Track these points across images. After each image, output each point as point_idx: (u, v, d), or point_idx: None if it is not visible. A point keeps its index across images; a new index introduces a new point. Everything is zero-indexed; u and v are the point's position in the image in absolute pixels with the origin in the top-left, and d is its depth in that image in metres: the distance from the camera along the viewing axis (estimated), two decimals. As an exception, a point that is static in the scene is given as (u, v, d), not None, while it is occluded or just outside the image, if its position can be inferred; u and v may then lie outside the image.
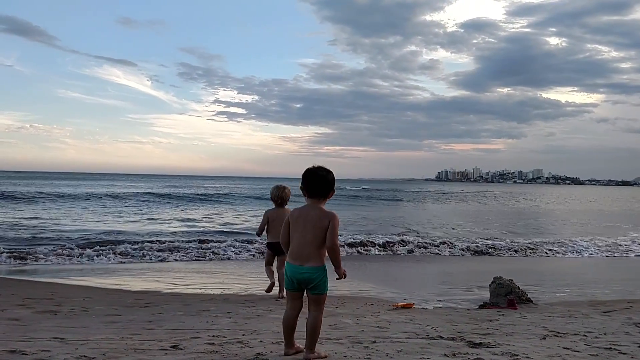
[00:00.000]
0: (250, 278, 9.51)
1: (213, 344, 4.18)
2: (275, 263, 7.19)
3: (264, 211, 7.32)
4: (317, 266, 3.72)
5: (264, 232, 7.26)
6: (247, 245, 13.39)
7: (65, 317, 5.54)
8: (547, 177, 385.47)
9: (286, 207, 7.14)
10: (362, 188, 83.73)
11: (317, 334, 3.80)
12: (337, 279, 3.82)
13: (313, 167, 3.91)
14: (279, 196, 7.13)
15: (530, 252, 14.54)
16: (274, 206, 7.22)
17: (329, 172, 3.89)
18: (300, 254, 3.75)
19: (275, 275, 7.12)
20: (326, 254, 3.76)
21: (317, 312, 3.80)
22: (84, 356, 3.58)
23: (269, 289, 7.25)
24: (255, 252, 12.64)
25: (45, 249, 11.85)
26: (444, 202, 48.07)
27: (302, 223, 3.79)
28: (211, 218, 22.60)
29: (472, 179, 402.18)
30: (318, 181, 3.83)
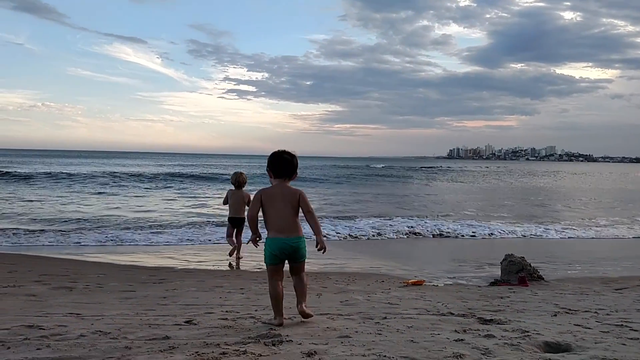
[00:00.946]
0: (262, 255, 9.58)
1: (226, 319, 4.23)
2: (234, 233, 8.87)
3: (227, 190, 9.02)
4: (301, 236, 4.19)
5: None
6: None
7: (80, 293, 5.62)
8: (560, 154, 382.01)
9: (243, 189, 8.87)
10: (383, 166, 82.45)
11: (306, 290, 4.37)
12: (317, 247, 4.17)
13: (278, 151, 4.29)
14: (237, 180, 8.81)
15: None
16: (234, 188, 8.86)
17: (293, 156, 4.29)
18: (285, 227, 4.15)
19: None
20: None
21: (302, 272, 4.34)
22: (100, 331, 3.64)
23: (231, 253, 8.87)
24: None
25: (51, 228, 11.97)
26: (479, 180, 47.35)
27: (278, 201, 4.19)
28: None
29: (484, 157, 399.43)
30: (284, 164, 4.23)
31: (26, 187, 23.95)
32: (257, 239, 4.30)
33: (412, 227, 13.51)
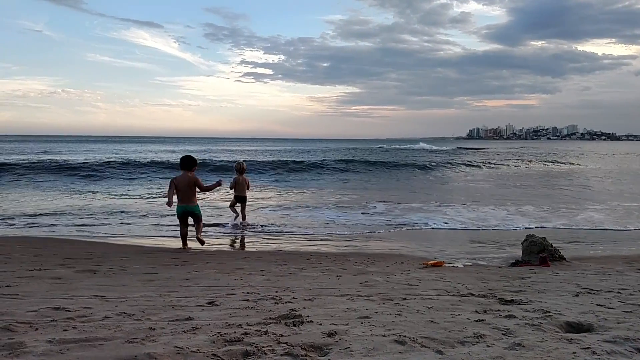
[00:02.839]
0: (282, 239, 9.65)
1: (248, 300, 4.28)
2: (236, 205, 11.34)
3: (233, 177, 11.46)
4: (195, 204, 8.41)
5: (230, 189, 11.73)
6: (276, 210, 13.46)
7: (104, 276, 5.72)
8: (582, 133, 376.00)
9: (244, 175, 11.39)
10: (459, 148, 75.15)
11: (201, 228, 8.57)
12: (216, 185, 8.79)
13: (184, 155, 8.58)
14: (240, 168, 11.40)
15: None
16: (237, 174, 11.34)
17: (191, 157, 8.52)
18: (185, 199, 8.32)
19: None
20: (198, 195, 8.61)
21: (200, 222, 8.53)
22: (124, 313, 3.71)
23: (235, 217, 11.22)
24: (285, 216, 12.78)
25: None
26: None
27: (183, 184, 8.28)
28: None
29: (505, 136, 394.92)
30: (185, 162, 8.42)
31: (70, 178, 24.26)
32: (170, 204, 8.28)
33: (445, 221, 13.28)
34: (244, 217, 11.11)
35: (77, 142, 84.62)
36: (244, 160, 11.94)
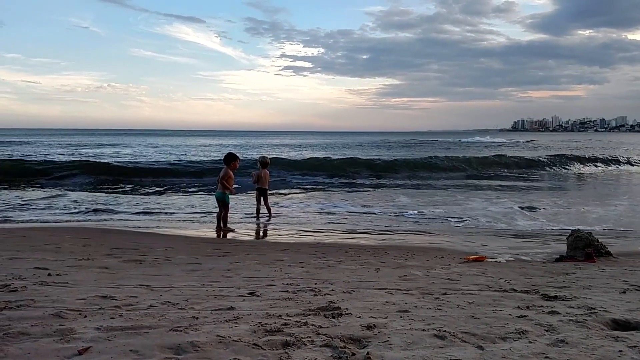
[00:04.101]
0: (320, 232, 9.69)
1: (287, 291, 4.33)
2: (261, 200, 11.42)
3: (256, 170, 11.72)
4: (221, 192, 9.79)
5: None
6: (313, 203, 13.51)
7: (149, 266, 5.88)
8: (631, 125, 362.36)
9: (266, 169, 11.65)
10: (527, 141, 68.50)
11: (227, 219, 9.79)
12: (230, 193, 9.95)
13: (228, 152, 10.31)
14: (264, 161, 11.81)
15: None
16: (260, 167, 11.62)
17: (231, 154, 10.16)
18: (219, 187, 9.85)
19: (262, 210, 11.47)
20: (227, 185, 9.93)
21: (224, 209, 9.73)
22: (169, 302, 3.80)
23: (256, 215, 11.22)
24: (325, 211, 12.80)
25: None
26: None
27: (220, 175, 9.91)
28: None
29: (550, 128, 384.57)
30: (226, 157, 10.14)
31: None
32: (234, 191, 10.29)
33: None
34: (268, 210, 11.43)
35: (126, 135, 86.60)
36: (265, 155, 12.67)
